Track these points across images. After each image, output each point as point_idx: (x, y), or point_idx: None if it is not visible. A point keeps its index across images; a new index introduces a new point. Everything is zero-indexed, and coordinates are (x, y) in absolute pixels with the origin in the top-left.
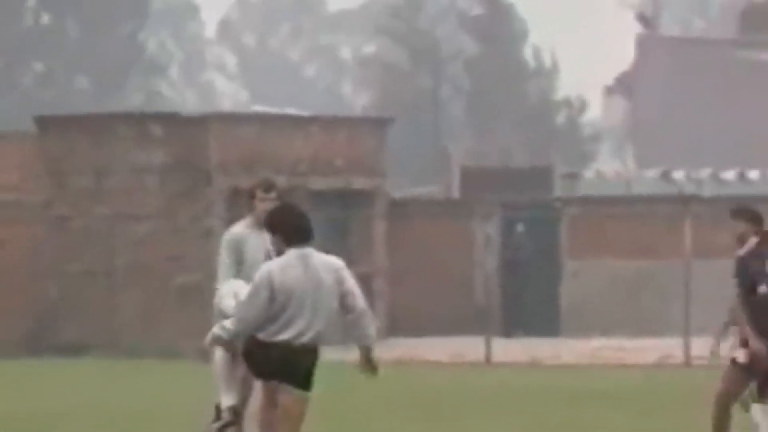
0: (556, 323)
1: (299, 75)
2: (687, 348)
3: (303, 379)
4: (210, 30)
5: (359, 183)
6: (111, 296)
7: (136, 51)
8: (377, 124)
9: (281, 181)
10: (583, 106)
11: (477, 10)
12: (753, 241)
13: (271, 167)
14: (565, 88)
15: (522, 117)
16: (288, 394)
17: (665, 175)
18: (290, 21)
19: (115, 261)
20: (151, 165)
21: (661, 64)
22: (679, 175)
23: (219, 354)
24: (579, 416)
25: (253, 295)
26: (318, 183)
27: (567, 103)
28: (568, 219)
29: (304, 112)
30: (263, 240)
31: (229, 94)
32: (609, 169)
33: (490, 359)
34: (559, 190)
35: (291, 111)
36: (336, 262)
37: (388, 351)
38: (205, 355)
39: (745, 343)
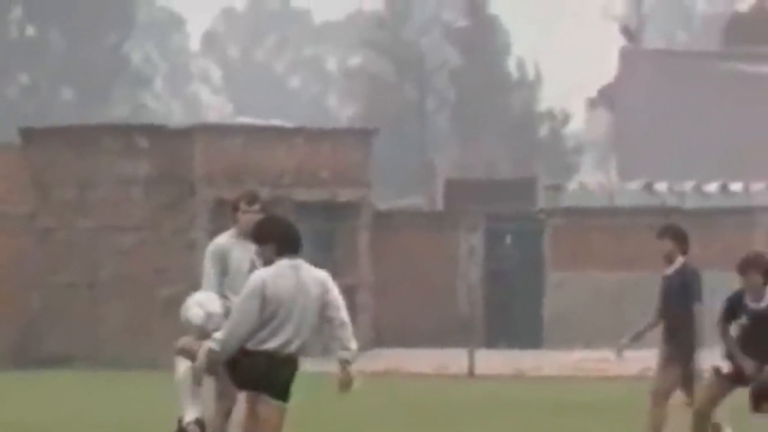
0: (539, 335)
1: (284, 87)
2: None
3: (282, 390)
4: (195, 42)
5: (344, 195)
6: (95, 308)
7: (121, 63)
8: (362, 135)
9: (266, 192)
10: (566, 118)
11: (461, 22)
12: (680, 260)
13: (256, 179)
14: (549, 99)
15: (506, 128)
16: (267, 405)
17: (648, 187)
18: (275, 33)
19: (99, 273)
20: (136, 177)
21: (645, 77)
22: (661, 187)
23: (184, 365)
24: (562, 428)
25: (244, 304)
26: (303, 194)
27: (550, 115)
28: (552, 230)
29: (289, 124)
30: (247, 251)
31: (215, 106)
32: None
33: (473, 371)
34: (542, 201)
35: (276, 123)
36: (323, 274)
37: (372, 362)
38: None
39: (730, 356)
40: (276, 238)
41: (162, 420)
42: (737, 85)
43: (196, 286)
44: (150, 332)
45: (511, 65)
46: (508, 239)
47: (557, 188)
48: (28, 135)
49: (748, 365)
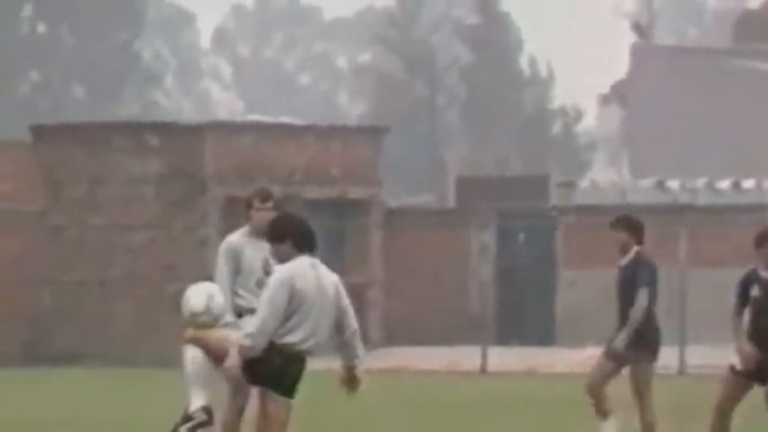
0: (551, 332)
1: (294, 84)
2: (682, 357)
3: (290, 388)
4: (205, 39)
5: (355, 192)
6: (105, 305)
7: (132, 60)
8: (373, 133)
9: (276, 190)
10: (578, 115)
11: (472, 20)
12: (634, 250)
13: (267, 176)
14: (561, 97)
15: (518, 126)
16: (275, 402)
17: (660, 185)
18: (285, 30)
19: (109, 270)
20: (147, 174)
21: (656, 73)
22: (674, 184)
23: (191, 354)
24: (574, 425)
25: (274, 297)
26: (313, 192)
27: (562, 112)
28: (564, 228)
29: (300, 122)
30: (261, 249)
31: (225, 104)
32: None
33: (485, 368)
34: (554, 199)
35: (286, 120)
36: (334, 277)
37: (383, 360)
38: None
39: (741, 351)
40: (293, 236)
41: (172, 417)
42: (748, 81)
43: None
44: (160, 330)
45: (523, 63)
46: (521, 237)
47: (569, 185)
48: (39, 132)
49: (746, 354)
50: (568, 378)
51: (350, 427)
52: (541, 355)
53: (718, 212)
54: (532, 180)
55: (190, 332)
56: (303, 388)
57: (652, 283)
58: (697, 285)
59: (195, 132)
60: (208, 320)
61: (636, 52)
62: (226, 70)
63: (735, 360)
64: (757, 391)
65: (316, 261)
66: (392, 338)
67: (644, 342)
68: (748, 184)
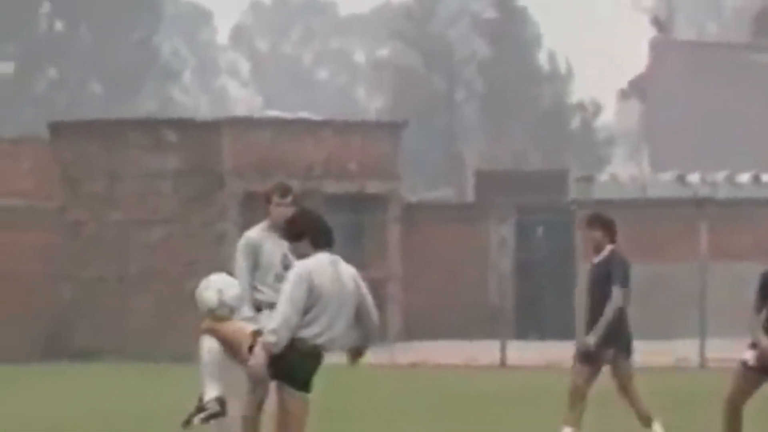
0: (570, 326)
1: (312, 79)
2: (702, 350)
3: (306, 382)
4: (223, 36)
5: (373, 187)
6: (124, 301)
7: (149, 57)
8: (391, 127)
9: (295, 185)
10: (597, 109)
11: (490, 14)
12: (608, 249)
13: (285, 171)
14: (580, 91)
15: (536, 120)
16: (291, 397)
17: (680, 179)
18: (302, 25)
19: (128, 266)
20: (165, 170)
21: (676, 68)
22: (694, 178)
23: (208, 344)
24: (594, 418)
25: (294, 292)
26: (332, 187)
27: (581, 106)
28: (583, 222)
29: (318, 117)
30: (279, 244)
31: (243, 100)
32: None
33: (504, 362)
34: (573, 193)
35: (304, 115)
36: (354, 271)
37: (402, 355)
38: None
39: (754, 345)
40: (310, 233)
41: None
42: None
43: None
44: (179, 325)
45: (542, 58)
46: (539, 231)
47: (588, 180)
48: (57, 129)
49: (764, 349)
50: None
51: (368, 420)
52: (560, 348)
53: (738, 206)
54: (551, 174)
55: (206, 323)
56: (322, 383)
57: (625, 283)
58: (717, 278)
59: (213, 128)
60: (225, 313)
61: (655, 47)
62: (244, 66)
63: (748, 355)
64: None
65: (336, 258)
66: (411, 332)
67: (619, 341)
68: None
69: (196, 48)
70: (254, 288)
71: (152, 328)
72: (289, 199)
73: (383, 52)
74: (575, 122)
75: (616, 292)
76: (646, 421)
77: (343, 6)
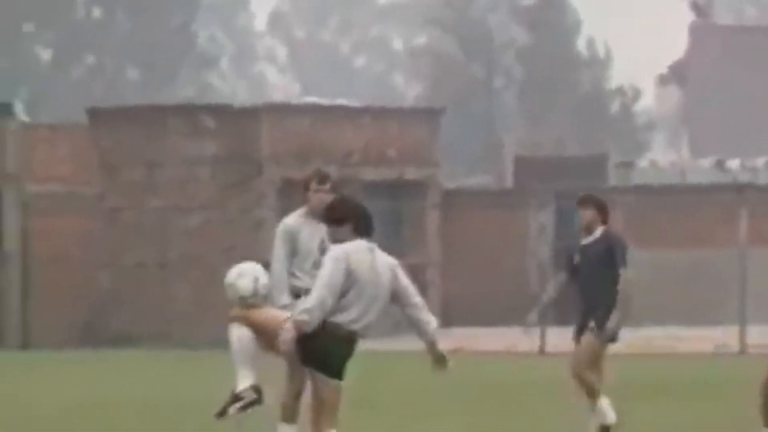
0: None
1: (350, 67)
2: (743, 337)
3: (339, 369)
4: (260, 22)
5: (412, 174)
6: (163, 287)
7: (187, 43)
8: (430, 114)
9: (333, 172)
10: (636, 94)
11: (528, 0)
12: (601, 229)
13: (323, 158)
14: (619, 76)
15: (575, 106)
16: (324, 384)
17: (720, 164)
18: (340, 13)
19: (166, 252)
20: (203, 157)
21: (715, 52)
22: (733, 163)
23: (237, 332)
24: (633, 406)
25: (332, 274)
26: (370, 174)
27: (620, 92)
28: (623, 208)
29: (356, 103)
30: (317, 231)
31: (280, 86)
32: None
33: (543, 349)
34: (613, 179)
35: (342, 102)
36: (393, 260)
37: (440, 342)
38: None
39: None
40: (352, 219)
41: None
42: None
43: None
44: (217, 311)
45: (581, 44)
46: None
47: (628, 166)
48: (96, 115)
49: None
50: (626, 358)
51: (406, 408)
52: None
53: None
54: (590, 160)
55: (236, 311)
56: (358, 369)
57: (627, 263)
58: (756, 264)
59: (251, 114)
60: (257, 301)
61: (694, 32)
62: (282, 52)
63: None
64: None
65: (374, 245)
66: (450, 319)
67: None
68: None
69: (233, 34)
70: (292, 275)
71: (190, 315)
72: (327, 185)
73: (421, 39)
74: (614, 108)
75: (624, 272)
76: (594, 396)
77: None
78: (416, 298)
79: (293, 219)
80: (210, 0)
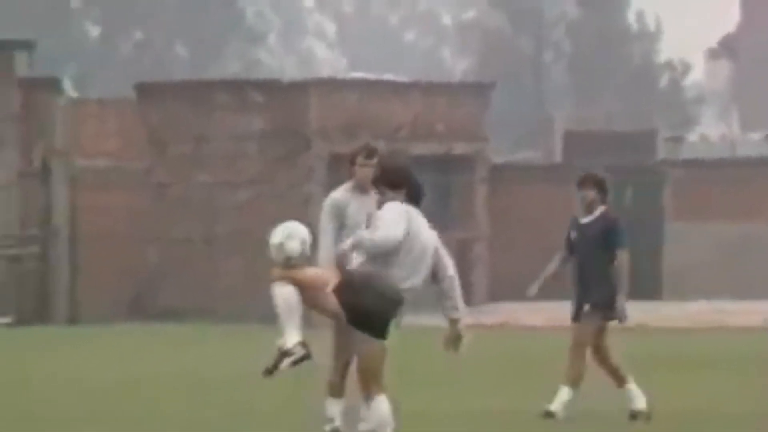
0: (658, 286)
1: (398, 41)
2: None
3: (383, 329)
4: None
5: (460, 148)
6: (211, 262)
7: (234, 19)
8: (479, 89)
9: (381, 146)
10: (686, 69)
11: None
12: (601, 209)
13: (371, 133)
14: (668, 50)
15: (624, 81)
16: (369, 344)
17: None
18: None
19: (214, 227)
20: (251, 131)
21: (766, 27)
22: None
23: (282, 290)
24: (682, 380)
25: (399, 222)
26: (419, 148)
27: (670, 65)
28: (673, 182)
29: (404, 78)
30: (364, 204)
31: (329, 61)
32: (713, 132)
33: None
34: (663, 153)
35: (390, 77)
36: (433, 233)
37: (488, 316)
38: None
39: None
40: (408, 186)
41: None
42: None
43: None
44: (265, 286)
45: (631, 17)
46: (628, 192)
47: (677, 140)
48: (144, 90)
49: None
50: (675, 332)
51: (453, 382)
52: (648, 309)
53: None
54: (639, 135)
55: (279, 271)
56: (407, 343)
57: (625, 245)
58: None
59: (299, 89)
60: (301, 263)
61: (746, 5)
62: (330, 28)
63: None
64: None
65: (420, 213)
66: (497, 294)
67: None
68: None
69: (281, 10)
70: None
71: (239, 290)
72: (374, 160)
73: (470, 14)
74: (664, 82)
75: (622, 254)
76: (574, 383)
77: None
78: (451, 271)
79: (340, 193)
80: None
